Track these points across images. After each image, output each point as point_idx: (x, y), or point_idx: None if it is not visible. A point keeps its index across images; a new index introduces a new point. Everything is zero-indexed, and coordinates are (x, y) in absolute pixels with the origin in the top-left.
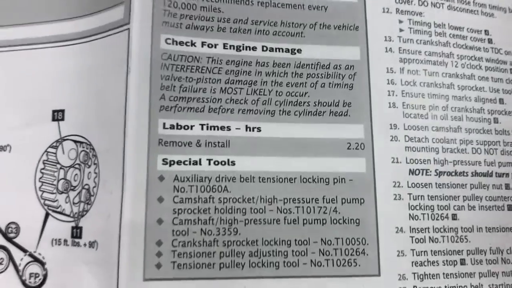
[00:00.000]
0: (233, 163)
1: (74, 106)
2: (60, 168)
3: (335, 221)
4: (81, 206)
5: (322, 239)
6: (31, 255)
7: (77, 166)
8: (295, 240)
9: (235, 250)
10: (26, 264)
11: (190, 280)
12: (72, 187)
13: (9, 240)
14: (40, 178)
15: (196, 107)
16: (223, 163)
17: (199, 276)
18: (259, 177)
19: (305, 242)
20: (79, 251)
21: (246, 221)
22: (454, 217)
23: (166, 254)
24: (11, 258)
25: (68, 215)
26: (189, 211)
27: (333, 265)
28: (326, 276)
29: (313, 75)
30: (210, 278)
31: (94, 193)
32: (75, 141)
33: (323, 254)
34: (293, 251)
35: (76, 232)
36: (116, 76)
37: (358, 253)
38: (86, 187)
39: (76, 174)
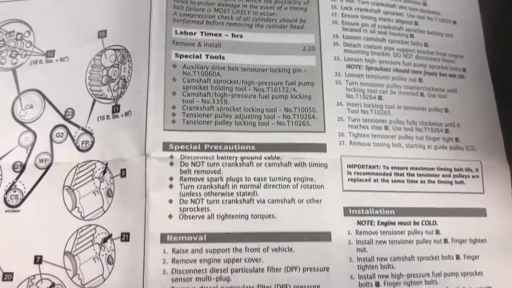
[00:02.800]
0: (223, 58)
1: (113, 27)
2: (104, 68)
3: (293, 97)
4: (118, 91)
5: (285, 108)
6: (83, 129)
7: (116, 65)
8: (266, 108)
9: (225, 113)
10: (79, 135)
11: (194, 131)
12: (112, 80)
13: (67, 120)
14: (89, 77)
15: (198, 20)
16: (216, 57)
17: (200, 129)
18: (241, 67)
19: (273, 110)
20: (118, 121)
21: (233, 95)
22: (380, 98)
23: (178, 114)
24: (69, 132)
25: (110, 99)
26: (193, 87)
27: (293, 125)
28: (288, 131)
29: (279, 1)
30: (208, 131)
31: (128, 80)
32: (114, 49)
33: (286, 118)
34: (265, 115)
35: (115, 109)
36: (143, 3)
37: (310, 117)
38: (123, 77)
39: (115, 71)
